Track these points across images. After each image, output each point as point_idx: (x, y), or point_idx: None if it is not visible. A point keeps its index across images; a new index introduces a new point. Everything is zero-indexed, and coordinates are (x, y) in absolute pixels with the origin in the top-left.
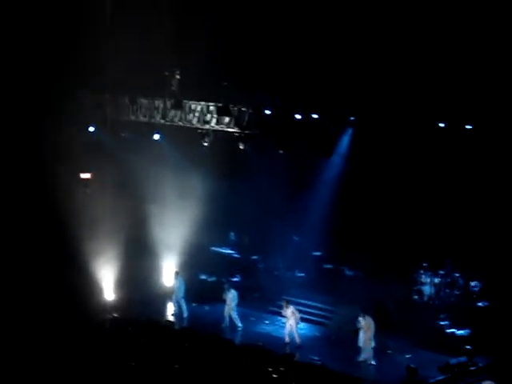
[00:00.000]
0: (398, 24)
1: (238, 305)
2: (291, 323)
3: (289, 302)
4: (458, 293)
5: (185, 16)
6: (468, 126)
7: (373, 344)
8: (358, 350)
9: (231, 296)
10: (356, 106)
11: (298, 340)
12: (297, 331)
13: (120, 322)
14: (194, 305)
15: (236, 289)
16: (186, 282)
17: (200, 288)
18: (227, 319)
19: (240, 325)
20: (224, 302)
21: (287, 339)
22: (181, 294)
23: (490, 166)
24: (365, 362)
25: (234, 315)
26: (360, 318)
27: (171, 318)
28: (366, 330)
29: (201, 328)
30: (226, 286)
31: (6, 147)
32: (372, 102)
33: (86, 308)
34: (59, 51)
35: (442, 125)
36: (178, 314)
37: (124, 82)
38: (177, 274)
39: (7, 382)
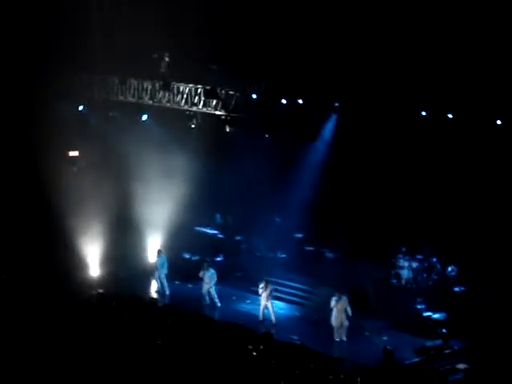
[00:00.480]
0: (383, 11)
1: (221, 284)
2: (267, 303)
3: (268, 283)
4: (435, 277)
5: None
6: (449, 115)
7: (347, 323)
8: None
9: (209, 274)
10: (340, 93)
11: (274, 319)
12: (273, 310)
13: (105, 298)
14: (177, 283)
15: (216, 268)
16: (168, 260)
17: (183, 266)
18: (207, 297)
19: (219, 304)
20: (201, 280)
21: (261, 317)
22: (164, 271)
23: (469, 152)
24: (340, 340)
25: (214, 294)
26: (333, 298)
27: (155, 295)
28: (339, 310)
29: (183, 305)
30: (205, 264)
31: None
32: (356, 88)
33: (72, 284)
34: (50, 30)
35: (424, 113)
36: (161, 291)
37: (114, 63)
38: (159, 252)
39: None
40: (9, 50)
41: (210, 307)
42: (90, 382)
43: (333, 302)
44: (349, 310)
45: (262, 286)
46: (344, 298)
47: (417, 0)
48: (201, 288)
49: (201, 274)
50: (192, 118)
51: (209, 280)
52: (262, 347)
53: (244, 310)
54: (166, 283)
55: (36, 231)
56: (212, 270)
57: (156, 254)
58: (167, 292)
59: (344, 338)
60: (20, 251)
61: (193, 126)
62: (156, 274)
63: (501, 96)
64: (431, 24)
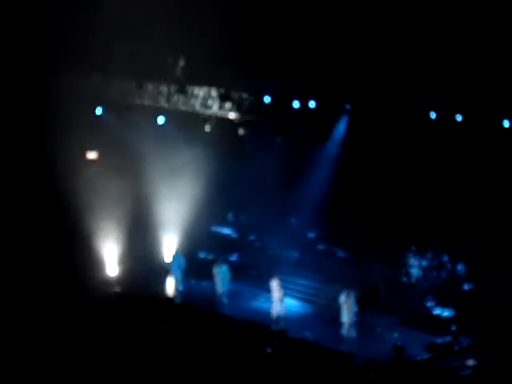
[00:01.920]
0: (393, 15)
1: (235, 282)
2: (278, 299)
3: (279, 280)
4: (444, 275)
5: (188, 2)
6: (458, 117)
7: (354, 319)
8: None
9: (222, 271)
10: (351, 95)
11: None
12: (283, 306)
13: (122, 297)
14: (192, 282)
15: (230, 266)
16: (185, 259)
17: (199, 265)
18: (222, 294)
19: (226, 301)
20: (213, 277)
21: (274, 315)
22: (180, 270)
23: (477, 152)
24: (349, 336)
25: (225, 290)
26: (342, 295)
27: (171, 294)
28: (348, 306)
29: (198, 304)
30: (217, 262)
31: (12, 127)
32: (367, 90)
33: (89, 283)
34: (66, 30)
35: (433, 115)
36: (178, 289)
37: (131, 67)
38: (177, 251)
39: (9, 357)
40: (25, 48)
41: (224, 304)
42: (106, 379)
43: (342, 299)
44: (354, 306)
45: (274, 283)
46: (352, 295)
47: (427, 4)
48: (214, 286)
49: (214, 272)
50: (206, 120)
51: (222, 276)
52: (276, 344)
53: (257, 308)
54: (180, 280)
55: (53, 232)
56: (224, 267)
57: (174, 253)
58: (180, 288)
59: (353, 334)
60: (37, 251)
61: (207, 128)
62: (173, 273)
63: (509, 98)
64: (441, 26)
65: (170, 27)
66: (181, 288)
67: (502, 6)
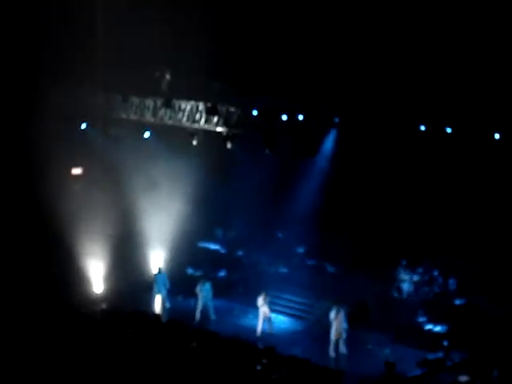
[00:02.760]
0: (382, 27)
1: (223, 298)
2: (266, 314)
3: (267, 295)
4: (435, 290)
5: (174, 14)
6: (448, 129)
7: (344, 336)
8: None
9: (206, 289)
10: (340, 108)
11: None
12: (269, 322)
13: (108, 314)
14: (179, 299)
15: (217, 283)
16: (169, 276)
17: (186, 282)
18: (198, 314)
19: (214, 317)
20: (197, 295)
21: (259, 333)
22: (165, 289)
23: (468, 166)
24: (337, 354)
25: (211, 308)
26: (332, 311)
27: (158, 311)
28: (337, 323)
29: (186, 321)
30: (200, 279)
31: None
32: (355, 103)
33: (75, 300)
34: (51, 47)
35: (422, 128)
36: (165, 306)
37: (116, 81)
38: (160, 269)
39: None
40: (6, 61)
41: (204, 322)
42: None
43: (332, 315)
44: (344, 323)
45: (261, 297)
46: (342, 311)
47: (415, 15)
48: (196, 303)
49: (197, 290)
50: (194, 134)
51: (205, 294)
52: (265, 361)
53: (246, 325)
54: (166, 299)
55: (38, 248)
56: (208, 285)
57: (157, 271)
58: (167, 306)
59: (344, 351)
60: (21, 267)
61: (194, 142)
62: (155, 291)
63: (499, 110)
64: (430, 39)
65: (156, 41)
66: (168, 305)
67: (491, 18)
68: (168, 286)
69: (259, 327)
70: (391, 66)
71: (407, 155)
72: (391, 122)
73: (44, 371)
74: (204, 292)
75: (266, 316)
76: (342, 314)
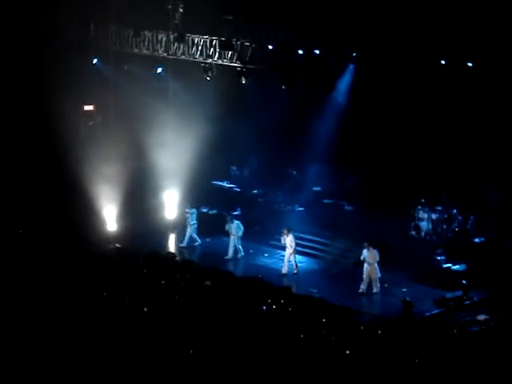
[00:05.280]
0: None
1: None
2: (290, 252)
3: (290, 231)
4: (454, 229)
5: None
6: (469, 64)
7: (379, 274)
8: (359, 282)
9: (235, 226)
10: (358, 42)
11: (295, 269)
12: (295, 260)
13: (122, 253)
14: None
15: (240, 220)
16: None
17: (201, 220)
18: (231, 251)
19: (243, 253)
20: (227, 234)
21: (284, 270)
22: (194, 226)
23: (489, 103)
24: (364, 293)
25: (239, 245)
26: (364, 250)
27: (173, 250)
28: (371, 262)
29: (202, 260)
30: (228, 217)
31: (8, 79)
32: (374, 38)
33: (89, 239)
34: None
35: (443, 62)
36: (180, 245)
37: (128, 14)
38: (191, 206)
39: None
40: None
41: (232, 261)
42: (106, 338)
43: (363, 254)
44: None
45: (284, 235)
46: (373, 251)
47: None
48: (220, 242)
49: (227, 228)
50: (207, 70)
51: (235, 231)
52: (281, 301)
53: (262, 264)
54: (195, 236)
55: (52, 186)
56: (236, 222)
57: (189, 208)
58: (196, 243)
59: (375, 290)
60: (35, 206)
61: (208, 78)
62: (189, 229)
63: None
64: None
65: None
66: (183, 244)
67: None
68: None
69: (285, 266)
70: None
71: (426, 90)
72: (410, 55)
73: (58, 311)
74: (233, 230)
75: (290, 255)
76: (376, 254)
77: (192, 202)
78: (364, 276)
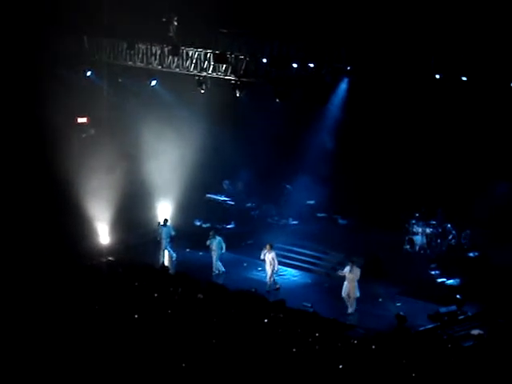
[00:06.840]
0: None
1: (232, 251)
2: (271, 268)
3: (272, 247)
4: (448, 243)
5: None
6: (463, 78)
7: (357, 294)
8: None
9: (217, 242)
10: (352, 56)
11: (276, 285)
12: (273, 276)
13: (115, 265)
14: (187, 250)
15: (226, 235)
16: (175, 228)
17: (194, 234)
18: (216, 266)
19: (223, 269)
20: (208, 248)
21: (268, 287)
22: (168, 241)
23: (483, 115)
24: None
25: (217, 261)
26: (347, 267)
27: (166, 263)
28: (350, 280)
29: (194, 273)
30: (211, 232)
31: (1, 91)
32: (368, 51)
33: (81, 251)
34: None
35: (437, 76)
36: (174, 259)
37: (122, 27)
38: (165, 221)
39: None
40: (10, 9)
41: (220, 275)
42: (99, 348)
43: (344, 270)
44: (357, 288)
45: (265, 251)
46: (356, 269)
47: None
48: (211, 257)
49: (208, 243)
50: (201, 83)
51: (216, 247)
52: (273, 314)
53: (256, 278)
54: (171, 251)
55: (44, 198)
56: (219, 238)
57: (162, 223)
58: (173, 258)
59: (350, 310)
60: (28, 218)
61: (202, 91)
62: (162, 244)
63: None
64: None
65: None
66: (174, 257)
67: None
68: (173, 235)
69: (268, 281)
70: (406, 11)
71: (421, 104)
72: (405, 69)
73: (50, 322)
74: (214, 246)
75: (272, 269)
76: (357, 271)
77: (164, 218)
78: (343, 295)
